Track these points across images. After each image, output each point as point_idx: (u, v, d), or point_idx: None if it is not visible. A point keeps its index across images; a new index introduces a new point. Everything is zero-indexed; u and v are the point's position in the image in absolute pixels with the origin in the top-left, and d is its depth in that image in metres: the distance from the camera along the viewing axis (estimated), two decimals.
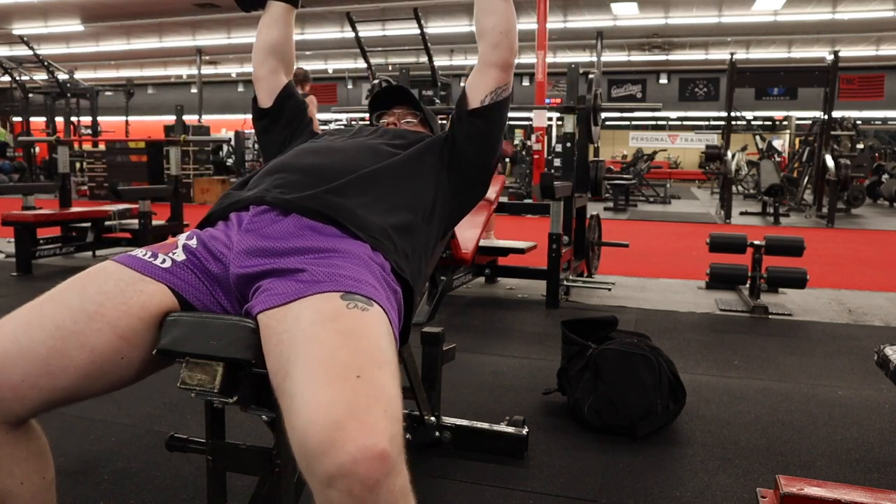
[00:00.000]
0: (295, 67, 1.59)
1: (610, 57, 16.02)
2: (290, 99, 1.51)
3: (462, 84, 1.38)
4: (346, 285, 0.95)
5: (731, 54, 8.48)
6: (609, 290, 3.78)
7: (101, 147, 10.11)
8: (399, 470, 0.76)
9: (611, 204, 9.71)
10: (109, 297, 0.97)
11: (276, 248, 1.04)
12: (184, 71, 19.81)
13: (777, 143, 13.79)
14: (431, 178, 1.31)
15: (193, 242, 1.10)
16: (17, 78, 10.62)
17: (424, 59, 5.34)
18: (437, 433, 1.73)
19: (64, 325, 0.93)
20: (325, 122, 14.38)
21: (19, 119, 12.74)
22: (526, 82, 14.67)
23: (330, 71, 19.39)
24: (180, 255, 1.07)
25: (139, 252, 1.06)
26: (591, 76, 3.94)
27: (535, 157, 9.43)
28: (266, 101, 1.50)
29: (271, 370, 0.89)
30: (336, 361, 0.82)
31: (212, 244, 1.09)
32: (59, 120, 11.36)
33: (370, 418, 0.75)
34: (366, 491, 0.72)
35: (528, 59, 9.79)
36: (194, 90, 16.75)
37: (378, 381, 0.81)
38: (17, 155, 12.92)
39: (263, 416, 1.08)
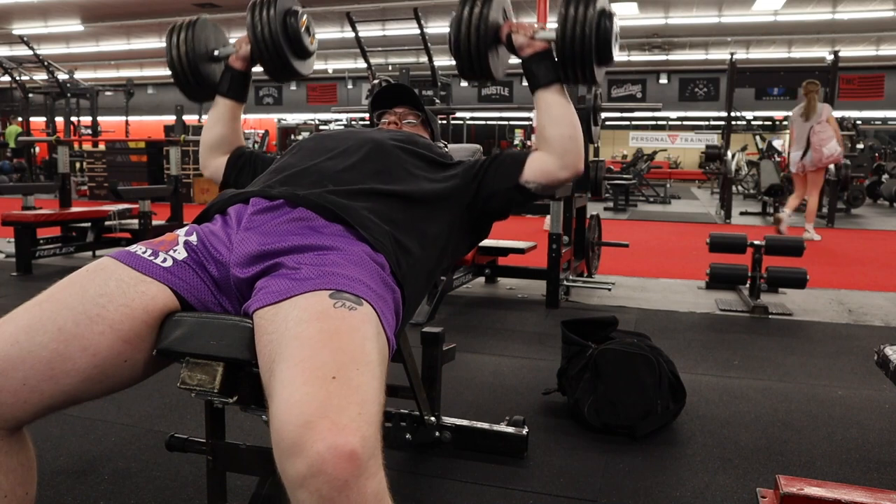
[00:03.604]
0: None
1: None
2: (240, 158, 1.55)
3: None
4: (338, 283, 0.95)
5: (731, 54, 8.47)
6: (609, 290, 3.78)
7: (101, 147, 10.11)
8: (372, 473, 0.75)
9: (611, 204, 9.71)
10: (111, 298, 0.96)
11: (276, 248, 1.04)
12: None
13: (777, 143, 13.77)
14: (444, 212, 1.30)
15: (194, 239, 1.09)
16: (17, 78, 10.62)
17: (424, 59, 5.34)
18: (437, 433, 1.73)
19: (66, 328, 0.92)
20: (326, 122, 14.37)
21: (19, 119, 12.73)
22: (526, 82, 14.67)
23: (330, 71, 19.38)
24: (181, 253, 1.06)
25: (138, 249, 1.05)
26: None
27: None
28: (220, 178, 1.56)
29: (261, 369, 0.89)
30: (315, 361, 0.82)
31: (211, 243, 1.08)
32: (59, 120, 11.36)
33: (342, 419, 0.75)
34: (334, 491, 0.71)
35: None
36: None
37: (355, 381, 0.81)
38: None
39: (263, 417, 1.08)
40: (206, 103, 1.57)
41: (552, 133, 1.34)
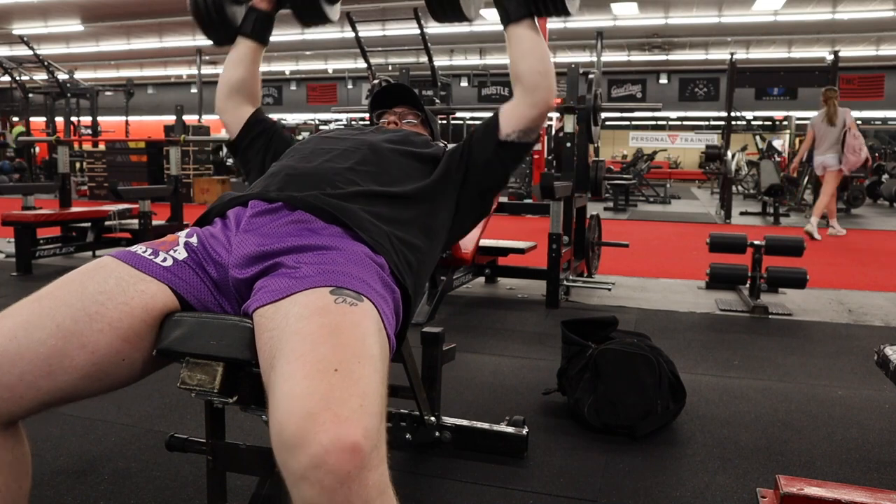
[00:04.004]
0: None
1: (610, 57, 16.02)
2: (258, 124, 1.51)
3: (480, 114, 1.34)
4: (338, 280, 0.95)
5: (731, 54, 8.47)
6: (609, 290, 3.78)
7: (101, 147, 10.11)
8: (374, 466, 0.75)
9: (611, 204, 9.71)
10: (110, 296, 0.96)
11: (275, 248, 1.04)
12: (184, 71, 19.81)
13: (777, 143, 13.79)
14: (443, 202, 1.31)
15: (194, 241, 1.09)
16: (17, 78, 10.62)
17: (424, 59, 5.34)
18: (437, 433, 1.73)
19: (64, 325, 0.92)
20: (325, 122, 14.39)
21: (19, 119, 12.75)
22: None
23: (330, 71, 19.40)
24: (182, 253, 1.06)
25: (139, 249, 1.05)
26: (591, 76, 3.94)
27: (535, 157, 9.44)
28: (234, 132, 1.51)
29: (262, 366, 0.89)
30: (316, 355, 0.82)
31: (211, 245, 1.08)
32: (60, 120, 11.37)
33: (344, 411, 0.75)
34: (337, 483, 0.71)
35: None
36: (194, 90, 16.75)
37: (356, 374, 0.81)
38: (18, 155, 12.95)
39: (263, 416, 1.08)
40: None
41: (522, 68, 1.33)
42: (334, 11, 1.52)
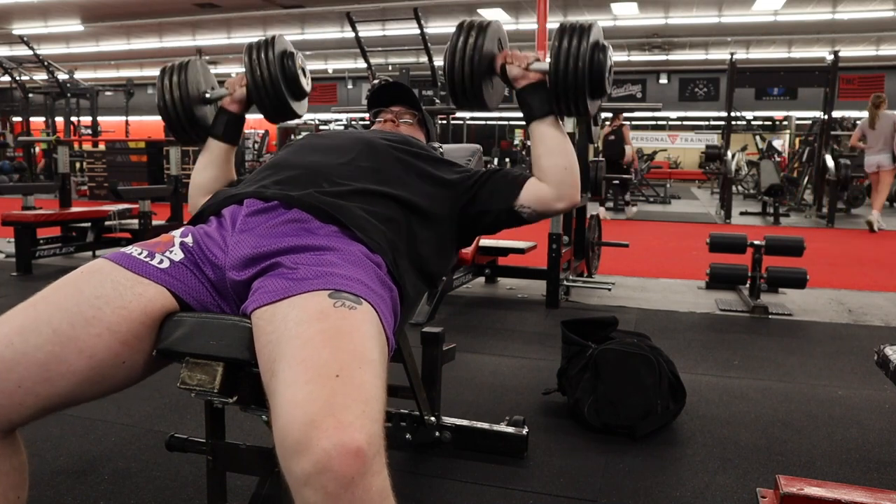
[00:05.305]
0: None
1: None
2: None
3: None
4: (336, 283, 0.95)
5: (731, 54, 8.46)
6: (609, 290, 3.78)
7: (101, 147, 10.10)
8: (377, 471, 0.75)
9: (611, 204, 9.70)
10: (107, 300, 0.95)
11: (271, 249, 1.03)
12: None
13: (777, 143, 13.78)
14: (439, 216, 1.29)
15: (189, 240, 1.09)
16: (17, 78, 10.61)
17: (424, 59, 5.35)
18: (437, 433, 1.73)
19: (61, 329, 0.91)
20: (326, 123, 14.39)
21: (19, 119, 12.75)
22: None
23: (330, 71, 19.39)
24: (178, 254, 1.05)
25: (134, 251, 1.04)
26: None
27: None
28: None
29: (261, 369, 0.89)
30: (317, 360, 0.82)
31: (206, 245, 1.08)
32: (60, 120, 11.37)
33: (347, 416, 0.75)
34: (341, 489, 0.71)
35: None
36: None
37: (358, 380, 0.81)
38: (18, 155, 12.95)
39: (263, 417, 1.08)
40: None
41: (547, 163, 1.34)
42: (302, 107, 1.54)
